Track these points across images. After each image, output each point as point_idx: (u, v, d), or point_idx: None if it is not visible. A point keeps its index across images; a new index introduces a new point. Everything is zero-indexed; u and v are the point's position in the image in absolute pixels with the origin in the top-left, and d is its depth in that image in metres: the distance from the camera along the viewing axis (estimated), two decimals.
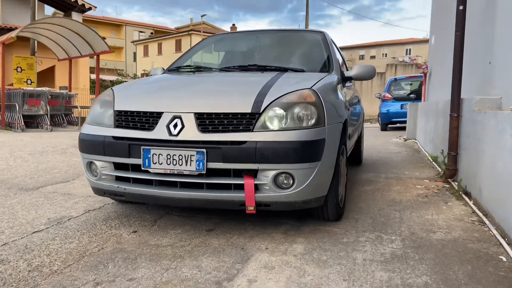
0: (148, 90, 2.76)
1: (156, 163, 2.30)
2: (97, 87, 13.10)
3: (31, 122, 11.09)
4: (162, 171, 2.31)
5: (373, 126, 14.66)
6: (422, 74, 9.41)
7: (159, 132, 2.32)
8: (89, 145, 2.53)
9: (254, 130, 2.24)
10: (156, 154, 2.30)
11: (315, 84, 2.54)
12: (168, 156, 2.28)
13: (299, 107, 2.31)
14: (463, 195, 3.42)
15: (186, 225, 2.63)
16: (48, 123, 10.78)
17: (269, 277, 1.87)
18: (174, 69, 3.46)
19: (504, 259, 2.11)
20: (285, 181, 2.27)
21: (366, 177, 4.33)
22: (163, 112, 2.36)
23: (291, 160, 2.21)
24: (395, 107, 11.08)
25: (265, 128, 2.25)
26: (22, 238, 2.37)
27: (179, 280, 1.84)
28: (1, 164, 4.84)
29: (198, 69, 3.35)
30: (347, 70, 4.39)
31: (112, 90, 2.73)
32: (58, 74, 17.76)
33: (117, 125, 2.48)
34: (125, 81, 31.91)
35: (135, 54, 47.17)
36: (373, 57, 53.41)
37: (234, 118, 2.27)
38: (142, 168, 2.34)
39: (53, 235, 2.42)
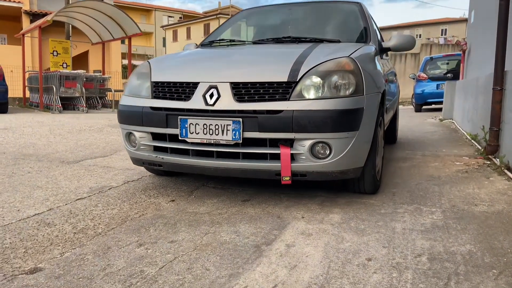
0: (183, 61, 2.78)
1: (193, 132, 2.33)
2: (129, 70, 13.33)
3: (67, 104, 11.46)
4: (199, 141, 2.33)
5: (407, 108, 14.27)
6: (460, 53, 9.04)
7: (196, 102, 2.33)
8: (128, 116, 2.58)
9: (290, 99, 2.21)
10: (193, 124, 2.32)
11: (353, 52, 2.48)
12: (205, 126, 2.30)
13: (337, 76, 2.27)
14: (506, 171, 3.29)
15: (222, 196, 2.66)
16: (84, 105, 11.10)
17: (307, 243, 1.87)
18: (207, 44, 3.46)
19: None
20: (322, 151, 2.25)
21: (401, 155, 4.23)
22: (199, 82, 2.37)
23: (328, 129, 2.17)
24: (430, 87, 10.71)
25: (301, 97, 2.22)
26: (66, 204, 2.46)
27: (218, 243, 1.87)
28: (43, 141, 5.03)
29: (231, 42, 3.34)
30: (382, 40, 4.27)
31: (149, 62, 2.76)
32: (91, 59, 18.23)
33: (154, 96, 2.51)
34: None
35: (164, 39, 47.61)
36: None
37: (270, 87, 2.25)
38: (180, 138, 2.38)
39: (95, 202, 2.51)
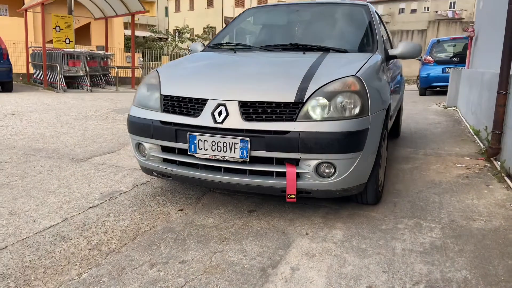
0: (192, 72, 2.80)
1: (201, 148, 2.39)
2: (132, 48, 13.23)
3: (71, 83, 11.47)
4: (207, 157, 2.40)
5: (411, 89, 14.16)
6: (468, 37, 8.91)
7: (205, 119, 2.38)
8: (138, 128, 2.64)
9: (297, 120, 2.26)
10: (201, 140, 2.38)
11: (359, 69, 2.50)
12: (213, 143, 2.36)
13: (342, 96, 2.31)
14: (506, 177, 3.36)
15: (228, 205, 2.76)
16: (88, 84, 11.11)
17: (311, 266, 1.97)
18: (214, 46, 3.47)
19: None
20: (327, 170, 2.31)
21: (404, 153, 4.30)
22: (208, 99, 2.41)
23: (333, 150, 2.24)
24: (436, 70, 10.63)
25: (308, 117, 2.27)
26: (79, 213, 2.56)
27: (227, 265, 1.97)
28: (50, 130, 5.11)
29: (238, 47, 3.35)
30: (390, 42, 4.26)
31: (158, 72, 2.79)
32: (93, 31, 18.04)
33: (164, 110, 2.56)
34: (158, 38, 31.91)
35: (167, 9, 46.78)
36: (414, 11, 50.64)
37: (278, 107, 2.30)
38: (188, 153, 2.44)
39: (107, 211, 2.61)
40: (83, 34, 18.10)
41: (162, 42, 31.50)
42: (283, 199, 2.82)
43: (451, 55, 10.95)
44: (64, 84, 10.61)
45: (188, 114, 2.46)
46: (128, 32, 22.44)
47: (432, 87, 11.09)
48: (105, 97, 9.57)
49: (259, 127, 2.28)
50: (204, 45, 3.61)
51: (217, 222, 2.48)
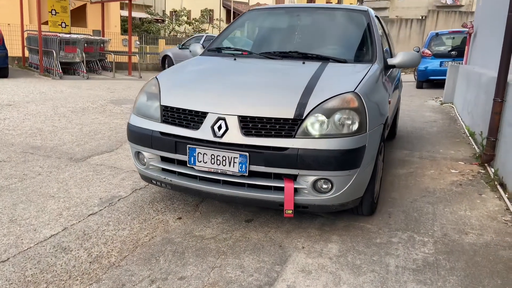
0: (192, 81, 2.80)
1: (201, 161, 2.42)
2: (129, 34, 13.08)
3: (68, 68, 11.35)
4: (206, 169, 2.43)
5: (408, 80, 14.16)
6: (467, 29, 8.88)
7: (204, 132, 2.40)
8: (138, 138, 2.66)
9: (296, 136, 2.29)
10: (201, 153, 2.41)
11: (358, 84, 2.52)
12: (213, 156, 2.38)
13: (341, 113, 2.33)
14: (498, 186, 3.42)
15: (226, 213, 2.80)
16: (84, 71, 11.00)
17: (307, 284, 2.03)
18: (214, 50, 3.46)
19: None
20: (324, 186, 2.35)
21: (400, 156, 4.35)
22: (208, 113, 2.42)
23: (331, 167, 2.27)
24: (433, 64, 10.63)
25: (306, 134, 2.30)
26: (79, 222, 2.60)
27: (225, 282, 2.02)
28: (48, 125, 5.10)
29: (238, 51, 3.34)
30: (390, 44, 4.25)
31: (157, 80, 2.79)
32: (89, 13, 17.72)
33: (164, 120, 2.57)
34: (155, 20, 31.41)
35: None
36: None
37: (277, 123, 2.32)
38: (188, 165, 2.47)
39: (107, 219, 2.64)
40: (78, 16, 17.79)
41: (159, 24, 31.01)
42: (280, 210, 2.87)
43: (449, 49, 10.92)
44: (60, 70, 10.51)
45: (188, 127, 2.48)
46: (124, 13, 22.10)
47: (429, 80, 11.10)
48: (102, 85, 9.50)
49: (259, 142, 2.31)
50: (203, 48, 3.60)
51: (215, 233, 2.53)
